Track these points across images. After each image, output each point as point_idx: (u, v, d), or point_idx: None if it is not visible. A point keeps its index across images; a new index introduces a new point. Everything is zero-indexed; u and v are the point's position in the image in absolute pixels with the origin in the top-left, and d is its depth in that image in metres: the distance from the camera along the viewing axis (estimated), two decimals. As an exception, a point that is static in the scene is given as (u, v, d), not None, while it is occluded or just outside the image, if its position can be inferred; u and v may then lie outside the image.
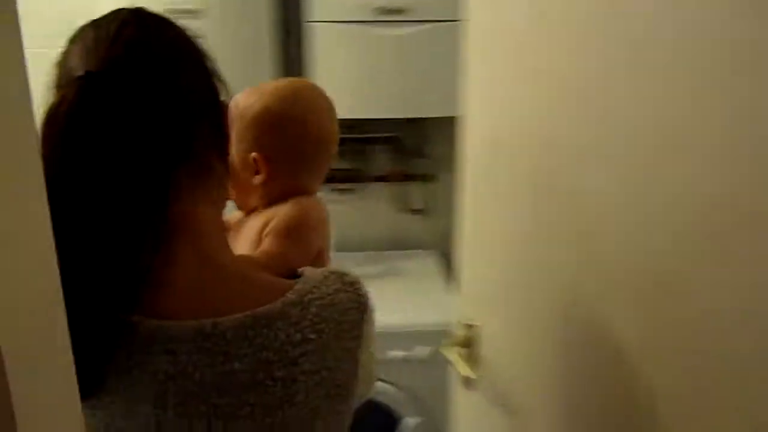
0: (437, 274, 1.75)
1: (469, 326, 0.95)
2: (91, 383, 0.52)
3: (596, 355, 0.68)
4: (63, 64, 0.55)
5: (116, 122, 0.51)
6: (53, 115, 0.50)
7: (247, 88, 0.77)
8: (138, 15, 0.56)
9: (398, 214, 1.93)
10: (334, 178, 1.87)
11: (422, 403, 1.49)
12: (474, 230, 0.97)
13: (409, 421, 1.49)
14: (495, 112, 0.86)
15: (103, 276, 0.51)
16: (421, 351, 1.44)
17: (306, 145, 0.77)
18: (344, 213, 1.91)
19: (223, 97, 0.60)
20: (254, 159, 0.74)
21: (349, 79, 1.55)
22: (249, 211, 0.78)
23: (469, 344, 0.96)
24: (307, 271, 0.61)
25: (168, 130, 0.54)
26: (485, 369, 0.93)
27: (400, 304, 1.55)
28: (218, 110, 0.60)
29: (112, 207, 0.51)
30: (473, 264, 0.98)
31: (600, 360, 0.68)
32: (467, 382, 0.93)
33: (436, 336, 1.07)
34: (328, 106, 0.80)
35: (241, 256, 0.68)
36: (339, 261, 1.71)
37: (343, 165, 1.85)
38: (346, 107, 1.66)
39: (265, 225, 0.75)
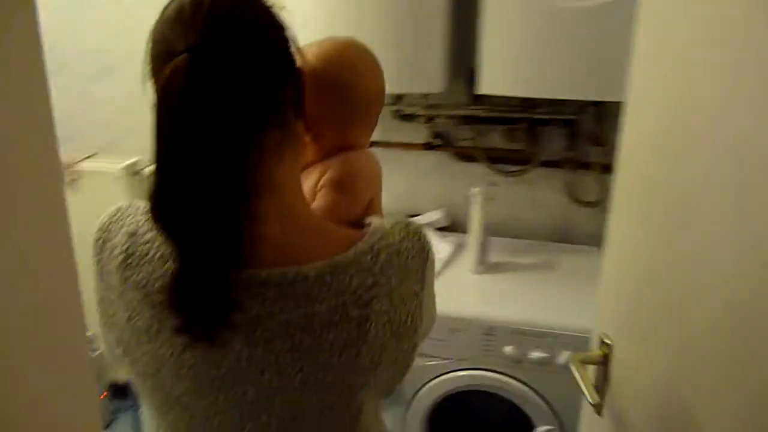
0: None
1: (605, 343, 0.84)
2: (208, 330, 0.60)
3: None
4: (159, 38, 0.59)
5: (220, 92, 0.55)
6: (167, 88, 0.55)
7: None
8: None
9: (568, 204, 1.79)
10: (502, 159, 1.78)
11: (559, 412, 1.38)
12: (621, 233, 0.84)
13: (541, 430, 1.39)
14: (662, 104, 0.73)
15: (211, 233, 0.56)
16: (563, 356, 1.33)
17: (353, 105, 0.78)
18: (508, 196, 1.81)
19: (299, 64, 0.64)
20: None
21: (525, 54, 1.43)
22: (303, 168, 0.80)
23: (604, 362, 0.85)
24: (375, 221, 0.67)
25: (260, 95, 0.59)
26: (615, 395, 0.81)
27: (551, 302, 1.44)
28: (298, 75, 0.64)
29: (217, 169, 0.56)
30: (616, 271, 0.86)
31: None
32: (595, 405, 0.82)
33: (584, 343, 0.97)
34: (373, 64, 0.81)
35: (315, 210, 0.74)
36: (497, 246, 1.66)
37: (513, 146, 1.75)
38: (519, 85, 1.58)
39: (318, 180, 0.78)
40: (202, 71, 0.54)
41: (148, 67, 0.60)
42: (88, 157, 2.10)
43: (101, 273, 0.66)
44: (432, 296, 0.73)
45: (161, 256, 0.62)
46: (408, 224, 0.68)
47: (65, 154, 2.18)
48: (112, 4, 2.00)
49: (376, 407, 0.74)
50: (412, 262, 0.66)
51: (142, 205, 0.66)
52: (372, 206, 0.82)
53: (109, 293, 0.66)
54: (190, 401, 0.65)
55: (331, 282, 0.62)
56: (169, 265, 0.60)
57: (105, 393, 2.09)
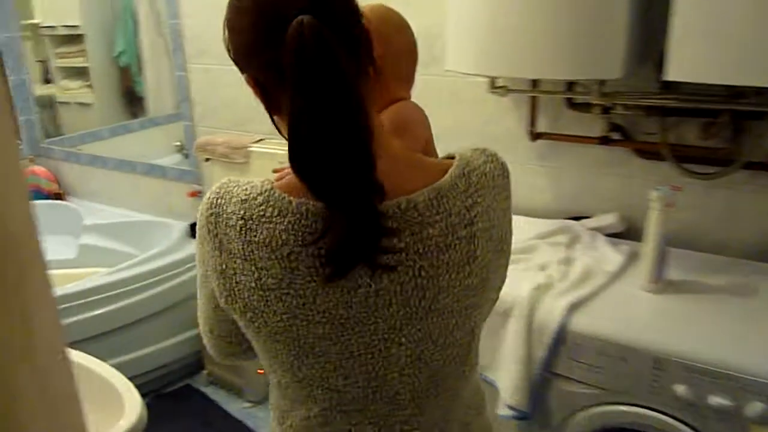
0: (816, 308, 1.27)
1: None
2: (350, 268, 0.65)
3: None
4: (265, 7, 0.64)
5: (337, 46, 0.61)
6: (301, 45, 0.60)
7: None
8: None
9: (778, 215, 1.47)
10: (695, 158, 1.50)
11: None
12: None
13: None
14: None
15: (352, 170, 0.62)
16: (752, 408, 1.07)
17: (393, 61, 0.89)
18: (698, 202, 1.53)
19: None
20: None
21: (731, 31, 1.17)
22: None
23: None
24: (459, 151, 0.73)
25: (358, 47, 0.67)
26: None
27: (743, 337, 1.18)
28: (368, 33, 0.70)
29: (348, 113, 0.61)
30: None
31: None
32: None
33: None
34: (399, 21, 0.96)
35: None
36: (679, 261, 1.39)
37: (710, 143, 1.47)
38: (722, 69, 1.31)
39: None
40: (323, 30, 0.60)
41: (250, 36, 0.66)
42: (258, 141, 2.22)
43: (220, 246, 0.70)
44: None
45: (279, 213, 0.66)
46: (484, 150, 0.74)
47: (239, 136, 2.32)
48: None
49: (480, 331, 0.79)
50: (498, 180, 0.72)
51: (243, 179, 0.71)
52: (429, 145, 0.91)
53: (231, 262, 0.69)
54: (324, 348, 0.69)
55: (438, 206, 0.67)
56: (290, 218, 0.65)
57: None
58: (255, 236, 0.66)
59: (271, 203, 0.66)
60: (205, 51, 2.39)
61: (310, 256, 0.65)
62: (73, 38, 3.00)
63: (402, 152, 0.72)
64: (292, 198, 0.66)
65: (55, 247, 2.73)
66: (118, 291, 2.28)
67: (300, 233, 0.65)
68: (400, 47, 0.94)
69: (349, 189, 0.62)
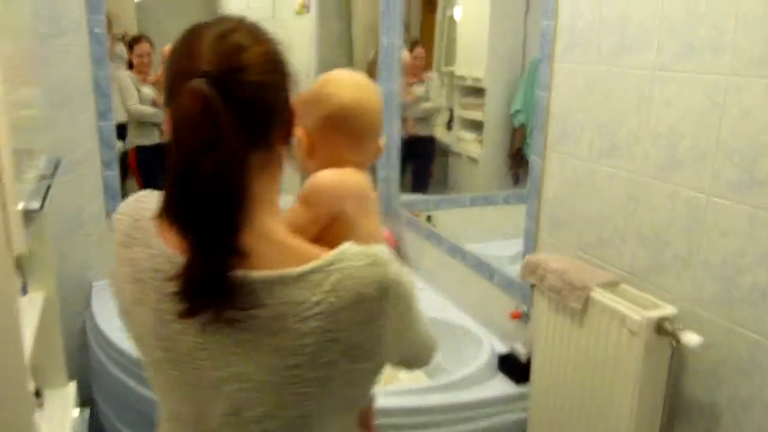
0: None
1: None
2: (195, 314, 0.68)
3: None
4: (177, 60, 0.70)
5: (226, 114, 0.64)
6: (184, 104, 0.65)
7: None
8: (243, 23, 0.72)
9: None
10: None
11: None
12: None
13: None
14: None
15: (213, 236, 0.65)
16: None
17: (336, 132, 0.93)
18: None
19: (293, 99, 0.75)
20: (299, 136, 0.93)
21: None
22: None
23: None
24: (347, 245, 0.71)
25: (256, 121, 0.69)
26: None
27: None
28: (291, 109, 0.75)
29: (219, 180, 0.64)
30: None
31: None
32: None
33: None
34: (367, 97, 0.95)
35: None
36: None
37: None
38: None
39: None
40: (209, 97, 0.64)
41: (167, 85, 0.71)
42: (610, 284, 1.45)
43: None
44: (414, 332, 0.79)
45: (147, 245, 0.74)
46: (377, 254, 0.71)
47: (586, 268, 1.57)
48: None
49: (343, 424, 0.80)
50: (366, 289, 0.69)
51: (149, 196, 0.78)
52: (339, 222, 0.88)
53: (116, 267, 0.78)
54: (167, 368, 0.75)
55: (278, 291, 0.68)
56: (153, 251, 0.73)
57: None
58: (126, 254, 0.76)
59: (145, 228, 0.75)
60: (567, 135, 1.72)
61: (157, 291, 0.71)
62: (476, 91, 2.89)
63: (276, 231, 0.73)
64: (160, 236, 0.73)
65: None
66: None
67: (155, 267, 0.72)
68: (376, 127, 0.97)
69: (201, 246, 0.65)
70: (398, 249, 2.76)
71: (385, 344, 0.73)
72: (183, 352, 0.72)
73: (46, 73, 2.17)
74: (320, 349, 0.69)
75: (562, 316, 1.58)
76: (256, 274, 0.67)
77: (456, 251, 2.40)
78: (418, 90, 2.97)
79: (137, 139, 2.79)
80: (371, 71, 2.93)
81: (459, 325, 2.25)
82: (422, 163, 3.11)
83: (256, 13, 3.20)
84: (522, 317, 1.97)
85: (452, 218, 2.88)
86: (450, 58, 3.05)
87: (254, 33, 0.71)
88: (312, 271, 0.68)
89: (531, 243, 1.92)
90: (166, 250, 0.71)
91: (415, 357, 0.86)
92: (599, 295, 1.46)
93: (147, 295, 0.72)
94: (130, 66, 2.79)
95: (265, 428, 0.73)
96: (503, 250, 2.37)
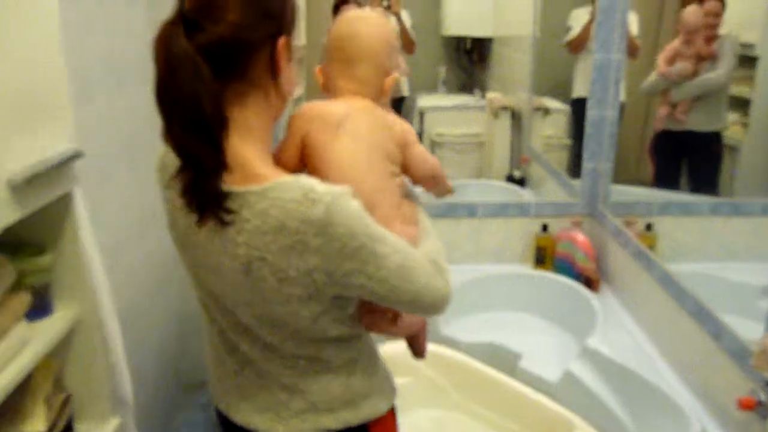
0: None
1: None
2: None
3: None
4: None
5: (177, 54, 0.77)
6: (160, 43, 0.78)
7: None
8: None
9: None
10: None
11: None
12: None
13: None
14: None
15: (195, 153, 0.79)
16: None
17: (330, 61, 1.03)
18: None
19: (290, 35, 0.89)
20: (316, 73, 1.06)
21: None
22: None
23: None
24: (294, 177, 0.82)
25: (227, 57, 0.81)
26: None
27: None
28: (275, 46, 0.85)
29: (197, 108, 0.77)
30: None
31: None
32: None
33: None
34: (358, 27, 1.02)
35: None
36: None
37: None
38: None
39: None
40: (174, 34, 0.77)
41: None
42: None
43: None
44: (358, 271, 0.82)
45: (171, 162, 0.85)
46: (310, 190, 0.79)
47: None
48: None
49: (308, 355, 0.93)
50: (290, 222, 0.78)
51: None
52: (309, 146, 0.96)
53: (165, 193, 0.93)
54: (197, 273, 0.92)
55: (227, 204, 0.80)
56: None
57: None
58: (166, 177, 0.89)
59: (170, 165, 0.85)
60: None
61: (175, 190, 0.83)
62: (744, 60, 2.10)
63: (241, 153, 0.83)
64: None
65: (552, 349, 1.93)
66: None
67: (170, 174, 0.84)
68: (338, 48, 1.02)
69: (186, 152, 0.79)
70: (597, 263, 2.02)
71: (317, 278, 0.82)
72: (199, 254, 0.87)
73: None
74: (250, 262, 0.81)
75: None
76: (225, 187, 0.80)
77: (669, 284, 1.73)
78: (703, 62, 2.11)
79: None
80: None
81: (655, 386, 1.62)
82: (700, 161, 2.19)
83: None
84: (757, 409, 1.30)
85: (682, 229, 2.16)
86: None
87: None
88: (250, 193, 0.80)
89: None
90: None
91: (409, 303, 0.90)
92: None
93: (180, 217, 0.88)
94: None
95: (245, 325, 0.91)
96: (752, 276, 1.67)
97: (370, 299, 0.88)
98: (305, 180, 0.80)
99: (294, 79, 0.93)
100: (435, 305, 0.92)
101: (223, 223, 0.80)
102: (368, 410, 0.98)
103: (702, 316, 1.55)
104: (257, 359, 0.94)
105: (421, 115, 3.25)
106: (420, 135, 3.26)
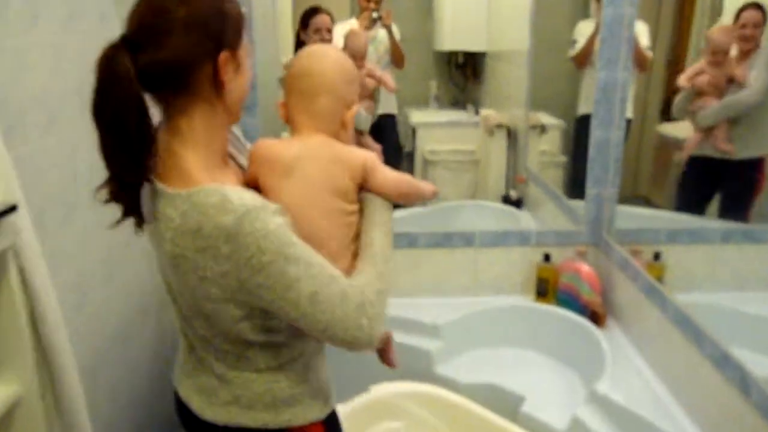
0: None
1: None
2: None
3: None
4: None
5: (135, 72, 0.83)
6: (100, 63, 0.83)
7: None
8: None
9: None
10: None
11: None
12: None
13: None
14: None
15: (128, 155, 0.85)
16: None
17: (288, 95, 1.06)
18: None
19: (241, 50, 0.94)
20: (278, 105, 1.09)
21: None
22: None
23: None
24: (222, 185, 0.88)
25: (169, 75, 0.88)
26: None
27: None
28: (217, 61, 0.90)
29: (134, 119, 0.84)
30: None
31: None
32: None
33: None
34: (312, 62, 1.06)
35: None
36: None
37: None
38: None
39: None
40: (116, 53, 0.83)
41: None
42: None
43: None
44: (267, 286, 0.87)
45: None
46: (227, 198, 0.84)
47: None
48: None
49: (237, 357, 0.99)
50: (205, 225, 0.84)
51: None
52: (260, 184, 1.01)
53: None
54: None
55: (159, 203, 0.89)
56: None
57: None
58: None
59: None
60: None
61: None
62: None
63: (182, 158, 0.90)
64: None
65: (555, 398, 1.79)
66: None
67: None
68: (299, 84, 1.05)
69: (111, 167, 0.86)
70: (602, 296, 1.86)
71: (231, 284, 0.87)
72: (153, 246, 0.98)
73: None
74: (175, 258, 0.88)
75: None
76: (159, 186, 0.89)
77: (683, 323, 1.59)
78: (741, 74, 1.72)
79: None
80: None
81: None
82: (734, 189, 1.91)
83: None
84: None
85: (692, 257, 2.02)
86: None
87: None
88: (178, 195, 0.87)
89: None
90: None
91: (321, 332, 0.91)
92: None
93: None
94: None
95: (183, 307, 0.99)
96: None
97: (288, 320, 0.91)
98: (230, 189, 0.86)
99: (247, 83, 0.97)
100: (348, 342, 0.93)
101: (140, 225, 0.91)
102: (289, 416, 1.02)
103: (726, 366, 1.41)
104: (197, 346, 1.02)
105: (414, 131, 3.12)
106: (412, 152, 3.13)
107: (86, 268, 1.57)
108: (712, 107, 1.75)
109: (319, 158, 1.00)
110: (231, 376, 1.00)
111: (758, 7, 1.65)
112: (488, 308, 2.09)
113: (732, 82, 1.69)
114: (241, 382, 1.00)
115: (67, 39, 1.45)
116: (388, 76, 2.57)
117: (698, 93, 1.78)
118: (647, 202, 2.35)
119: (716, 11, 1.96)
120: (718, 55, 1.71)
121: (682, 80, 1.81)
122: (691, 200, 2.06)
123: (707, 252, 1.90)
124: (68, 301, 1.48)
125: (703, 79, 1.75)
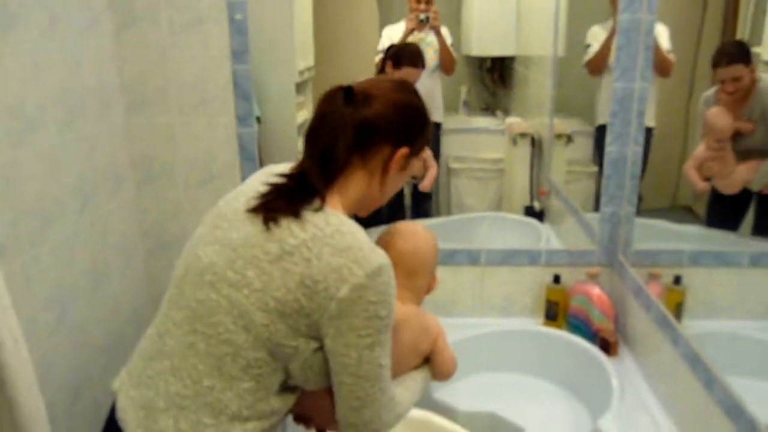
0: None
1: None
2: None
3: None
4: None
5: (334, 104, 1.03)
6: (323, 100, 1.05)
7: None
8: (404, 84, 1.11)
9: None
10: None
11: None
12: None
13: None
14: None
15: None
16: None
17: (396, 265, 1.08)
18: None
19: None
20: None
21: None
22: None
23: None
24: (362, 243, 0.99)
25: (361, 134, 1.03)
26: None
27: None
28: (395, 149, 1.06)
29: (324, 158, 1.03)
30: None
31: None
32: None
33: None
34: (418, 244, 1.28)
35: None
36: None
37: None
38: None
39: None
40: (340, 95, 1.03)
41: None
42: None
43: None
44: (344, 354, 0.97)
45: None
46: (366, 270, 0.95)
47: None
48: None
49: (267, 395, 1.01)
50: (326, 279, 0.95)
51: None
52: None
53: None
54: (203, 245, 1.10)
55: (287, 236, 0.97)
56: None
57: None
58: None
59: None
60: None
61: None
62: None
63: (333, 205, 1.02)
64: None
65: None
66: None
67: None
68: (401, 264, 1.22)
69: (306, 174, 1.04)
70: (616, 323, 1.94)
71: (326, 336, 0.96)
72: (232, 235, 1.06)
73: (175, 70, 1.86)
74: (294, 282, 0.95)
75: None
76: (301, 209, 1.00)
77: (697, 365, 1.44)
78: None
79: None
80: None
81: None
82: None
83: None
84: None
85: (716, 281, 1.85)
86: (756, 35, 1.94)
87: (405, 89, 1.08)
88: (308, 221, 0.97)
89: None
90: None
91: (351, 400, 1.00)
92: None
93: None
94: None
95: (207, 345, 1.03)
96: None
97: (335, 369, 0.99)
98: (372, 251, 0.98)
99: (395, 187, 1.12)
100: (352, 424, 1.03)
101: (266, 224, 0.98)
102: None
103: (735, 412, 1.26)
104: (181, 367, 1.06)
105: (438, 137, 3.02)
106: (437, 157, 3.04)
107: (66, 281, 1.55)
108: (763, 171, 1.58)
109: (412, 329, 1.23)
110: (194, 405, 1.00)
111: (731, 58, 1.60)
112: (494, 331, 1.97)
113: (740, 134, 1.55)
114: (198, 409, 1.00)
115: (48, 45, 1.43)
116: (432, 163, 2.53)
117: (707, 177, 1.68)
118: (690, 212, 2.18)
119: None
120: (722, 142, 1.61)
121: (691, 173, 1.68)
122: (724, 214, 1.89)
123: (733, 276, 1.73)
124: (44, 316, 1.47)
125: (713, 166, 1.63)
